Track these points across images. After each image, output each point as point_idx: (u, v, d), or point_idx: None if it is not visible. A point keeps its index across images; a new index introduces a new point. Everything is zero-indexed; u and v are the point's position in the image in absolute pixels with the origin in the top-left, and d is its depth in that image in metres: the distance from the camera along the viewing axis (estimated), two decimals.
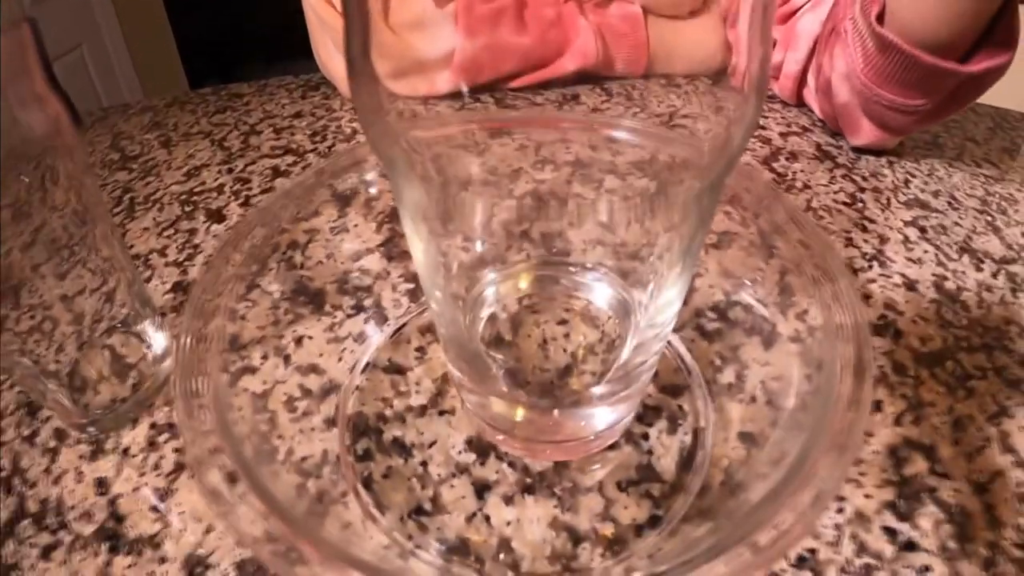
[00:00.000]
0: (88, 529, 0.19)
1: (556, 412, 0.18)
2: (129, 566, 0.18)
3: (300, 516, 0.14)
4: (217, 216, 0.32)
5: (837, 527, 0.18)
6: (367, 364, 0.22)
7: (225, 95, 0.46)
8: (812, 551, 0.17)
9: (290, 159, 0.37)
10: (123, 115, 0.45)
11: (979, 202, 0.34)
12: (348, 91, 0.46)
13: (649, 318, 0.17)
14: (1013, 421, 0.22)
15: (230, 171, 0.36)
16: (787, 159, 0.37)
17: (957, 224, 0.32)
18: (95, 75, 0.68)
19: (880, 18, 0.32)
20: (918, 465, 0.20)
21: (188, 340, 0.17)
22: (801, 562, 0.17)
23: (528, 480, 0.19)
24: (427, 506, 0.18)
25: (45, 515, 0.20)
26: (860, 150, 0.38)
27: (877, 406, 0.22)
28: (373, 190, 0.26)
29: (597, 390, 0.18)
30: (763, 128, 0.41)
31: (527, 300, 0.22)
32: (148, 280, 0.28)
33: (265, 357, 0.22)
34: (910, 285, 0.27)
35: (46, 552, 0.19)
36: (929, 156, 0.38)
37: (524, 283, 0.22)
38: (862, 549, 0.18)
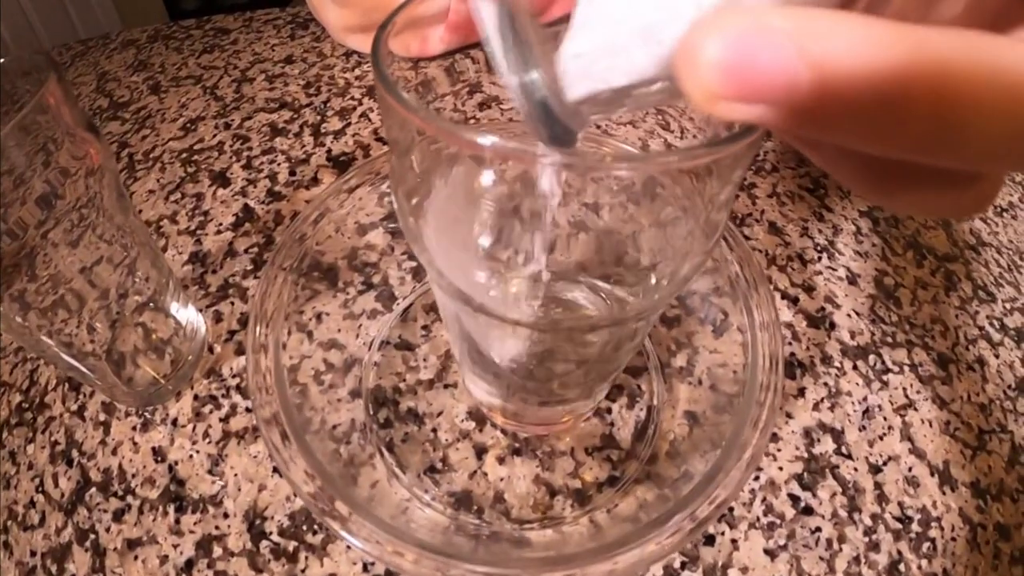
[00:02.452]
0: (153, 493, 0.24)
1: (543, 410, 0.24)
2: (197, 522, 0.24)
3: (335, 474, 0.20)
4: (221, 179, 0.35)
5: (752, 491, 0.25)
6: (381, 342, 0.27)
7: (210, 30, 0.46)
8: (730, 508, 0.24)
9: (287, 115, 0.39)
10: (104, 51, 0.46)
11: None
12: (341, 38, 0.47)
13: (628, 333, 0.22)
14: (917, 414, 0.28)
15: (227, 126, 0.39)
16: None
17: (910, 217, 0.37)
18: (68, 2, 0.65)
19: None
20: (826, 445, 0.27)
21: (258, 330, 0.22)
22: (720, 517, 0.24)
23: (516, 445, 0.25)
24: (438, 465, 0.24)
25: (110, 483, 0.25)
26: None
27: (801, 392, 0.28)
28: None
29: (575, 391, 0.23)
30: None
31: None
32: (164, 249, 0.32)
33: (289, 333, 0.27)
34: (852, 279, 0.33)
35: (117, 515, 0.24)
36: None
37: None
38: (769, 510, 0.24)
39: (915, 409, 0.29)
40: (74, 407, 0.28)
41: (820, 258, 0.33)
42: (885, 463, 0.27)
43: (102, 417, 0.27)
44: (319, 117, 0.38)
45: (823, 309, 0.31)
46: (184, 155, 0.37)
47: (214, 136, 0.38)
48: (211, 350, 0.28)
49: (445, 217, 0.17)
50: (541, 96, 0.11)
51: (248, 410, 0.27)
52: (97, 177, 0.22)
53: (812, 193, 0.37)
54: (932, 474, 0.27)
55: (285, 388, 0.21)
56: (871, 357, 0.30)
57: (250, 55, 0.44)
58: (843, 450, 0.27)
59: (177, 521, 0.24)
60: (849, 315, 0.31)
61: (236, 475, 0.25)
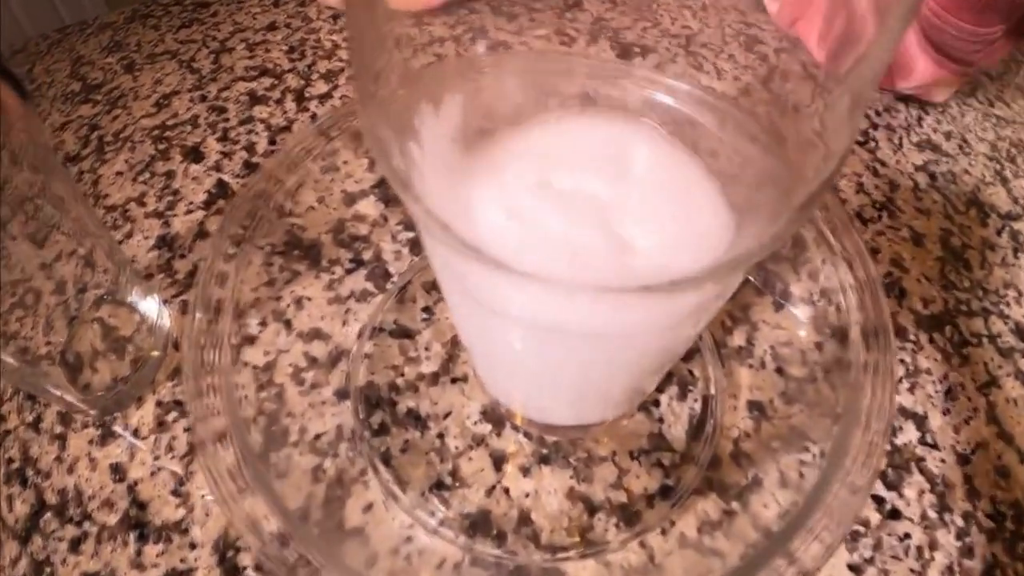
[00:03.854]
0: (112, 519, 0.18)
1: (575, 407, 0.17)
2: (160, 554, 0.18)
3: (297, 518, 0.14)
4: (194, 154, 0.29)
5: None
6: (373, 329, 0.21)
7: (190, 5, 0.40)
8: None
9: (267, 82, 0.33)
10: (80, 36, 0.39)
11: (989, 147, 0.32)
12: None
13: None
14: (1001, 392, 0.22)
15: (203, 99, 0.32)
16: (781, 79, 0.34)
17: (967, 172, 0.30)
18: None
19: None
20: (909, 434, 0.20)
21: (198, 317, 0.16)
22: None
23: (544, 451, 0.19)
24: (447, 480, 0.18)
25: (66, 506, 0.19)
26: (899, 96, 0.34)
27: (874, 368, 0.22)
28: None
29: (618, 391, 0.17)
30: (761, 43, 0.37)
31: None
32: (130, 235, 0.26)
33: (264, 323, 0.21)
34: (917, 239, 0.26)
35: (74, 545, 0.18)
36: None
37: None
38: None
39: (999, 387, 0.23)
40: (30, 418, 0.22)
41: (880, 216, 0.27)
42: (973, 451, 0.21)
43: (58, 429, 0.21)
44: (303, 81, 0.32)
45: (891, 274, 0.25)
46: (156, 132, 0.31)
47: (188, 110, 0.32)
48: (176, 347, 0.22)
49: (446, 151, 0.11)
50: None
51: (217, 413, 0.20)
52: (24, 147, 0.16)
53: (863, 146, 0.30)
54: (1022, 461, 0.21)
55: (234, 397, 0.14)
56: (947, 328, 0.24)
57: (230, 25, 0.37)
58: (928, 439, 0.21)
59: (138, 552, 0.18)
60: (919, 280, 0.25)
61: (203, 496, 0.19)
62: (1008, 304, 0.25)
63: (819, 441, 0.18)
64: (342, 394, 0.19)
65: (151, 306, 0.22)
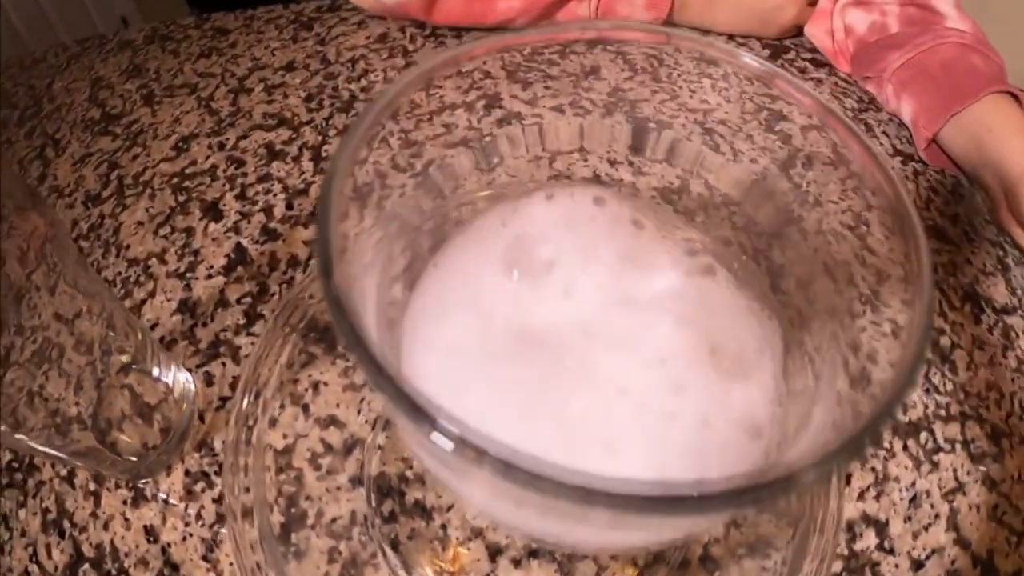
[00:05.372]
0: None
1: None
2: None
3: None
4: (213, 211, 0.32)
5: None
6: (386, 421, 0.24)
7: (209, 30, 0.42)
8: None
9: (285, 134, 0.36)
10: (99, 52, 0.42)
11: (994, 232, 0.35)
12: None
13: None
14: (965, 499, 0.25)
15: (221, 146, 0.35)
16: (803, 165, 0.37)
17: (968, 262, 0.33)
18: None
19: None
20: (869, 540, 0.24)
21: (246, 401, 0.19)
22: None
23: (533, 545, 0.22)
24: (448, 567, 0.22)
25: (103, 560, 0.23)
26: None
27: (847, 480, 0.25)
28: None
29: None
30: (784, 118, 0.40)
31: None
32: (152, 294, 0.29)
33: (283, 406, 0.25)
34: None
35: None
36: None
37: None
38: None
39: (964, 493, 0.26)
40: (64, 472, 0.26)
41: (864, 312, 0.30)
42: (928, 557, 0.25)
43: (92, 487, 0.25)
44: (320, 137, 0.35)
45: None
46: (175, 180, 0.34)
47: (207, 158, 0.35)
48: (202, 419, 0.26)
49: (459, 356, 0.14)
50: None
51: (247, 489, 0.24)
52: (54, 245, 0.20)
53: (852, 231, 0.33)
54: (975, 566, 0.25)
55: (262, 477, 0.18)
56: (923, 435, 0.27)
57: (249, 60, 0.40)
58: (886, 545, 0.25)
59: None
60: None
61: (232, 564, 0.23)
62: (988, 408, 0.28)
63: (781, 549, 0.22)
64: (356, 481, 0.23)
65: (176, 376, 0.26)
